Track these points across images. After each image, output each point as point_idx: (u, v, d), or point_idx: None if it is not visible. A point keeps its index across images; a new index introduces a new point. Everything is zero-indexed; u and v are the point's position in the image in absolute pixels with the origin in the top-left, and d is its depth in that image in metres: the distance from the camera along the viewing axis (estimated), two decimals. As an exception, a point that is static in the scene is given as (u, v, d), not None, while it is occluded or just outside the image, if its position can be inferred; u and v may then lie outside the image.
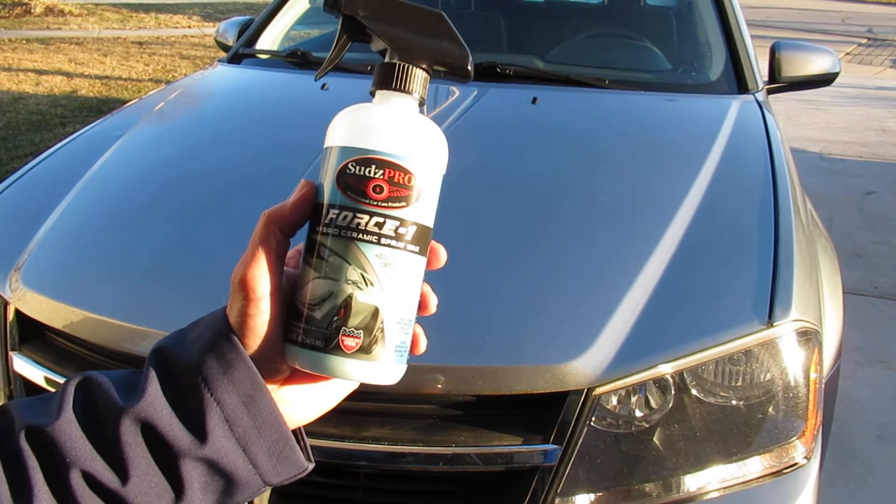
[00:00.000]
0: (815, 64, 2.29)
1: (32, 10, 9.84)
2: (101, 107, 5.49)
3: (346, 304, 0.47)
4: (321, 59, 2.19)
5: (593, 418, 1.07)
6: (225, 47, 2.62)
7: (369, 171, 0.47)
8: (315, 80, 0.68)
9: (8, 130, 4.87)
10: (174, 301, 1.21)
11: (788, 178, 1.52)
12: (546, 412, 1.08)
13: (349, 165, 0.48)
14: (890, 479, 2.00)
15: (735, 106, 1.87)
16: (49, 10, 9.97)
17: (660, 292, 1.17)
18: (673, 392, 1.10)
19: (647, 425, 1.10)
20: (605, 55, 2.38)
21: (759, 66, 2.11)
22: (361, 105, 0.51)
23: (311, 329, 0.47)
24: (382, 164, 0.48)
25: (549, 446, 1.06)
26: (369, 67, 2.31)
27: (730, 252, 1.29)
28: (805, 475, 1.14)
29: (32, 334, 1.29)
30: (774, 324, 1.12)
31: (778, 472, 1.12)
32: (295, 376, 0.50)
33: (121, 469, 0.45)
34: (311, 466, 0.51)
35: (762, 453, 1.12)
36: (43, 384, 1.22)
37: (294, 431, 0.50)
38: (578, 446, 1.07)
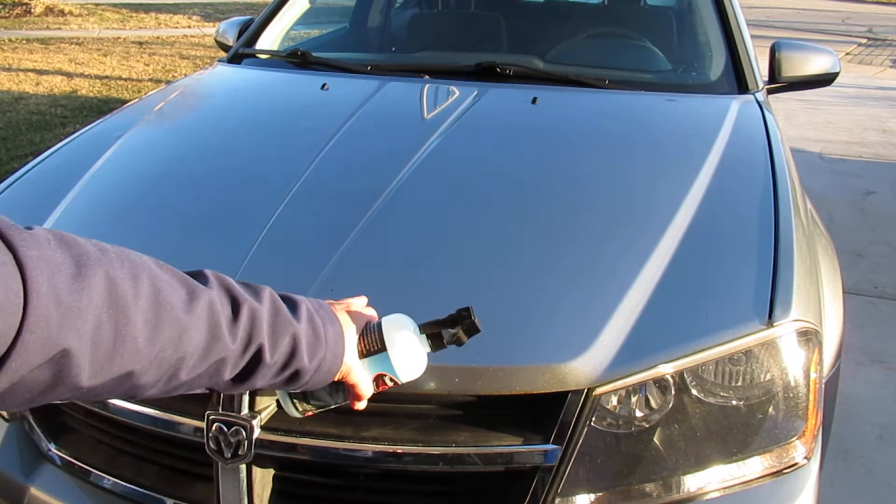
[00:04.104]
0: (815, 64, 2.29)
1: (32, 10, 9.83)
2: (101, 107, 5.49)
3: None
4: (321, 59, 2.19)
5: (593, 418, 1.07)
6: (225, 47, 2.62)
7: None
8: None
9: (8, 130, 4.87)
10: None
11: (788, 178, 1.52)
12: (546, 412, 1.08)
13: None
14: (890, 479, 2.00)
15: (735, 106, 1.87)
16: (49, 10, 9.97)
17: (660, 292, 1.17)
18: (673, 392, 1.10)
19: (647, 425, 1.10)
20: (605, 55, 2.38)
21: (759, 66, 2.11)
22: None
23: None
24: None
25: (549, 446, 1.06)
26: (369, 67, 2.32)
27: (730, 252, 1.29)
28: (805, 475, 1.14)
29: (32, 334, 1.29)
30: (774, 324, 1.12)
31: (778, 473, 1.12)
32: None
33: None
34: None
35: (762, 453, 1.12)
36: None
37: None
38: (578, 446, 1.07)
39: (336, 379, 0.88)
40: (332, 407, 0.97)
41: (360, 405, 0.95)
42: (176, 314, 0.65)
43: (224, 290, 0.73)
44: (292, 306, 0.81)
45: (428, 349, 0.95)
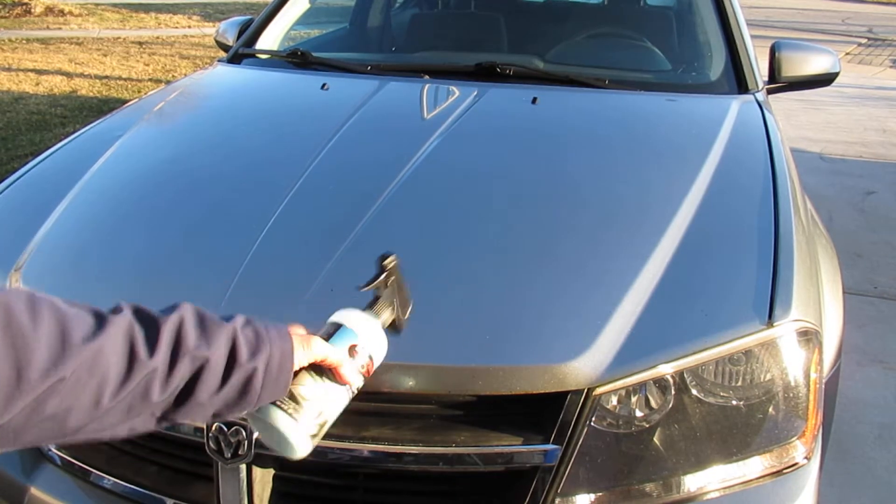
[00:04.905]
0: (815, 64, 2.29)
1: (32, 10, 9.83)
2: (101, 107, 5.49)
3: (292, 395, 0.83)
4: (321, 59, 2.19)
5: (593, 418, 1.07)
6: (225, 47, 2.62)
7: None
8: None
9: (8, 130, 4.87)
10: (175, 302, 1.20)
11: (788, 178, 1.52)
12: (546, 412, 1.08)
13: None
14: (890, 479, 2.00)
15: (735, 106, 1.87)
16: (49, 10, 9.97)
17: (660, 292, 1.17)
18: (673, 392, 1.10)
19: (648, 425, 1.10)
20: (605, 55, 2.38)
21: (759, 66, 2.11)
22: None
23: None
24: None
25: (550, 446, 1.06)
26: (369, 67, 2.31)
27: (730, 252, 1.29)
28: (805, 475, 1.14)
29: (32, 334, 1.29)
30: (774, 324, 1.12)
31: (778, 472, 1.12)
32: None
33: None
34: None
35: (762, 453, 1.12)
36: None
37: None
38: (578, 446, 1.07)
39: (307, 365, 0.84)
40: (339, 403, 0.90)
41: (350, 377, 0.88)
42: (84, 338, 0.67)
43: (138, 312, 0.74)
44: (222, 318, 0.78)
45: (377, 317, 0.95)
